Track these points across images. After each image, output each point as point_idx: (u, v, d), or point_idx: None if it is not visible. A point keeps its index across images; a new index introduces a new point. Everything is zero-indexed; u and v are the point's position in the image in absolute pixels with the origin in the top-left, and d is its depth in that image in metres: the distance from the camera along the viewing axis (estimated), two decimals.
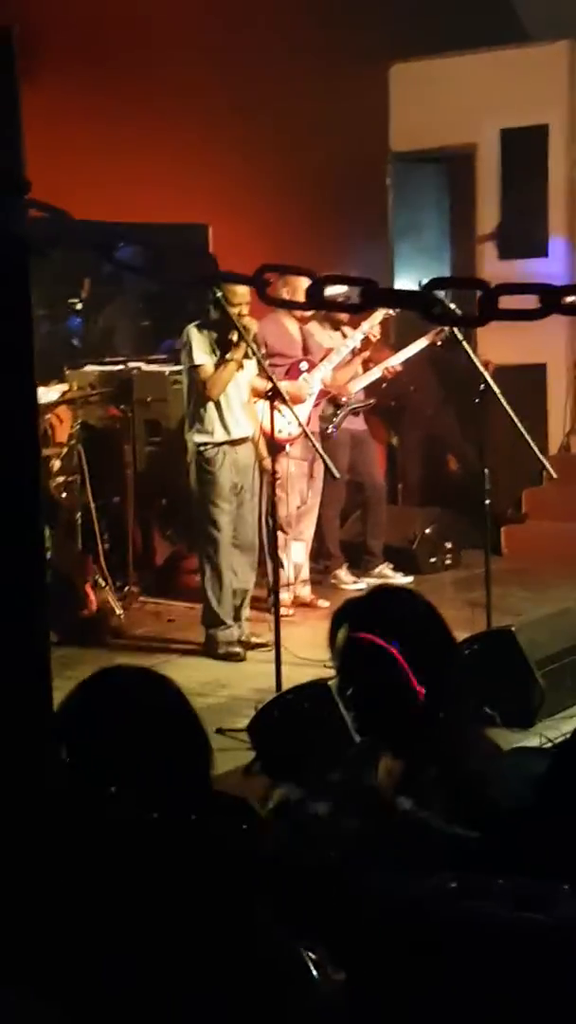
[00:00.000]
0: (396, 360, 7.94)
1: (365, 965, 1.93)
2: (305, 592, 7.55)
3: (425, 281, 1.86)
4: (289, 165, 9.19)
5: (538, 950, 1.91)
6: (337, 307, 1.72)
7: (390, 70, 10.25)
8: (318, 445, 6.70)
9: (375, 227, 10.20)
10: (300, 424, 6.55)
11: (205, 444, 6.62)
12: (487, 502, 6.65)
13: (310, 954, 1.86)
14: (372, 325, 7.63)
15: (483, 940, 1.96)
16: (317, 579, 7.90)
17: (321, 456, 6.46)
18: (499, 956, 2.00)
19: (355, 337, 7.64)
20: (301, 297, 1.68)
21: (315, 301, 1.56)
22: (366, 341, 7.70)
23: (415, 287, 6.95)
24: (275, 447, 6.77)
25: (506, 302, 1.58)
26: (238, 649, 6.64)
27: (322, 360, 7.49)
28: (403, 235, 10.61)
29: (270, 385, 6.04)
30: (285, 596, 6.93)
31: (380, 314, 7.53)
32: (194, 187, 8.59)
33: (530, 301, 1.68)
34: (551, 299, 1.54)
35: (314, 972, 1.86)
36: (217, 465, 6.62)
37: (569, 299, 1.60)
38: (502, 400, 6.35)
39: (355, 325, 7.75)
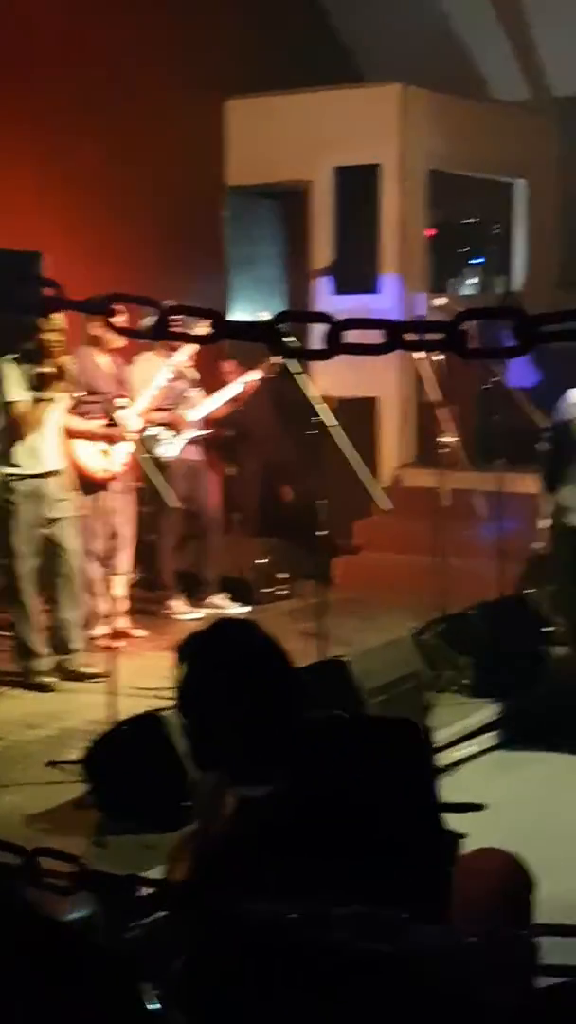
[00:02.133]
0: (232, 390, 8.00)
1: (208, 993, 1.92)
2: (124, 624, 7.45)
3: (266, 314, 1.88)
4: (126, 196, 9.20)
5: (381, 979, 1.93)
6: (184, 338, 1.72)
7: (226, 105, 10.34)
8: (156, 475, 6.68)
9: (211, 259, 10.27)
10: (122, 461, 6.53)
11: (11, 476, 6.55)
12: (321, 533, 6.73)
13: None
14: (184, 356, 7.64)
15: (326, 970, 1.98)
16: (151, 609, 7.86)
17: (157, 485, 6.45)
18: (342, 986, 2.01)
19: (169, 370, 7.60)
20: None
21: (161, 332, 1.57)
22: (178, 373, 7.70)
23: (251, 319, 7.01)
24: (92, 485, 6.76)
25: (350, 336, 1.61)
26: (48, 679, 6.57)
27: (141, 394, 7.41)
28: (239, 268, 10.71)
29: (86, 424, 6.01)
30: (105, 629, 6.88)
31: (189, 348, 7.57)
32: (28, 215, 8.52)
33: (373, 336, 1.72)
34: (394, 334, 1.58)
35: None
36: (22, 497, 6.54)
37: (409, 335, 1.64)
38: (334, 433, 6.44)
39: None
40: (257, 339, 1.60)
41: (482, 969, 1.63)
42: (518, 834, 4.48)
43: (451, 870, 2.57)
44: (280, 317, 1.61)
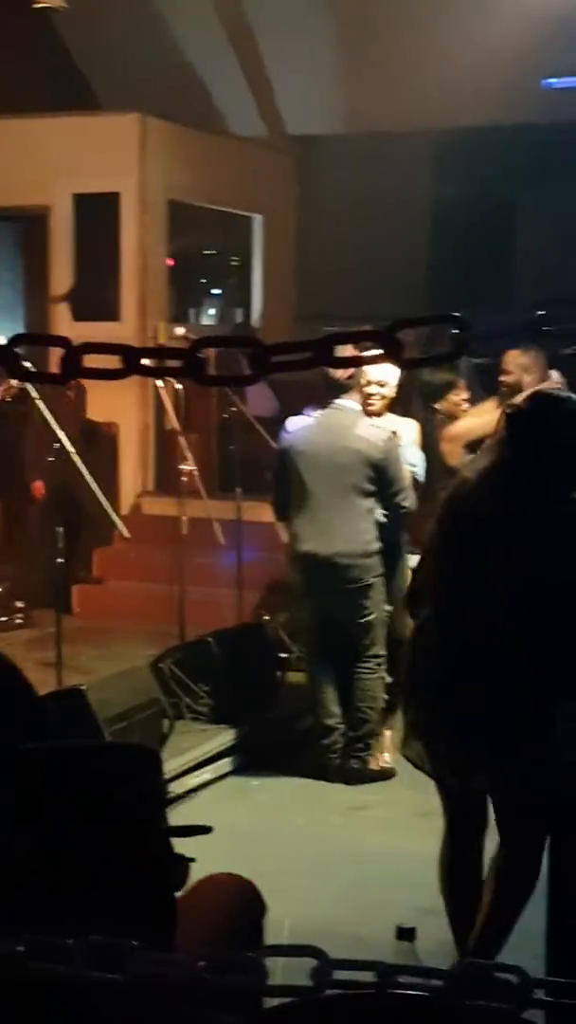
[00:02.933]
0: None
1: None
2: None
3: (1, 338, 1.86)
4: None
5: (111, 1009, 1.92)
6: None
7: None
8: None
9: None
10: None
11: None
12: (59, 560, 6.67)
13: None
14: None
15: (56, 1002, 1.95)
16: None
17: None
18: (71, 1016, 1.99)
19: None
20: None
21: None
22: None
23: None
24: None
25: (89, 361, 1.61)
26: None
27: None
28: None
29: None
30: None
31: None
32: None
33: (112, 362, 1.73)
34: (132, 360, 1.59)
35: None
36: None
37: (146, 361, 1.65)
38: (76, 460, 6.39)
39: None
40: None
41: (209, 994, 1.64)
42: (252, 859, 4.54)
43: (177, 896, 2.58)
44: (16, 339, 1.60)
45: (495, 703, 3.37)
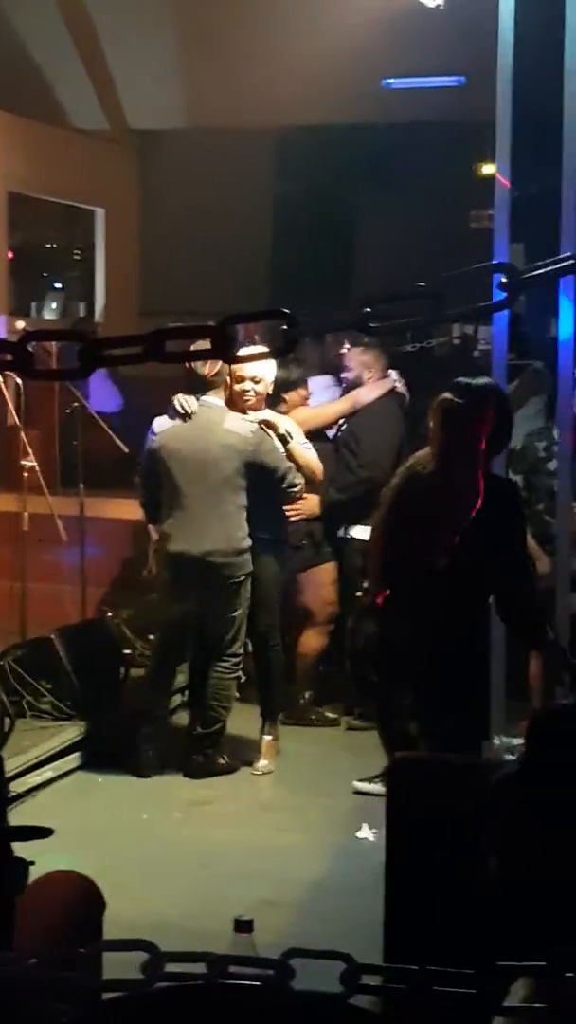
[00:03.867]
0: None
1: None
2: None
3: None
4: None
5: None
6: None
7: None
8: None
9: None
10: None
11: None
12: None
13: None
14: None
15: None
16: None
17: None
18: None
19: None
20: None
21: None
22: None
23: None
24: None
25: None
26: None
27: None
28: None
29: None
30: None
31: None
32: None
33: None
34: None
35: None
36: None
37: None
38: None
39: None
40: None
41: (43, 990, 1.63)
42: (95, 856, 4.52)
43: (15, 898, 2.55)
44: None
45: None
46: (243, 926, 2.47)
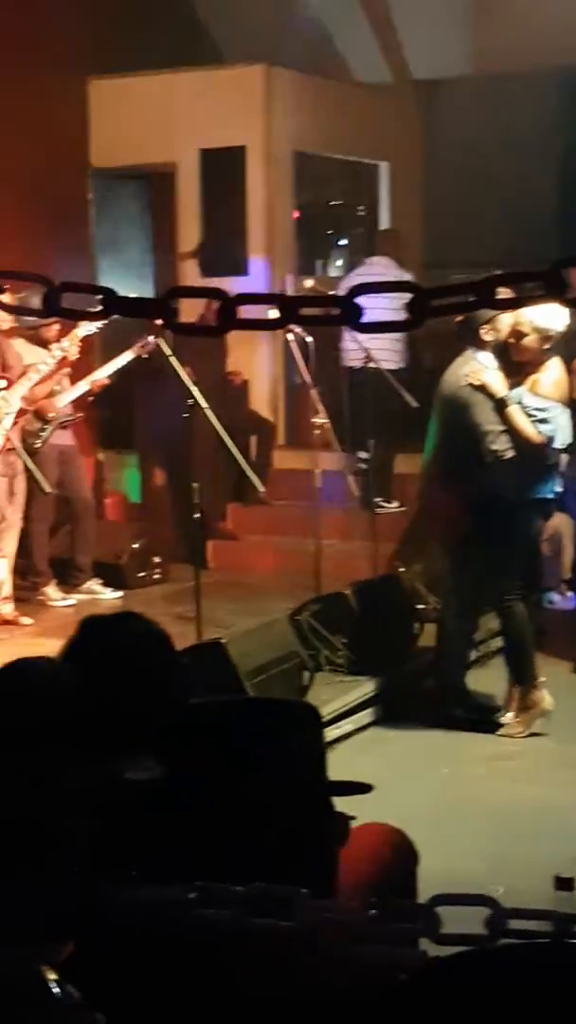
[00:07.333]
0: (102, 373, 7.87)
1: (106, 976, 1.91)
2: (8, 610, 7.32)
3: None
4: None
5: (277, 954, 1.94)
6: (76, 316, 1.68)
7: (89, 85, 10.21)
8: (28, 461, 6.58)
9: (76, 242, 10.12)
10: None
11: None
12: (196, 516, 6.72)
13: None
14: (72, 343, 7.44)
15: (222, 947, 1.98)
16: (25, 596, 7.73)
17: (31, 471, 6.35)
18: (239, 962, 2.02)
19: (53, 355, 7.41)
20: None
21: (55, 310, 1.54)
22: (63, 359, 7.49)
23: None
24: None
25: (244, 312, 1.61)
26: None
27: (21, 376, 7.22)
28: (105, 250, 10.59)
29: None
30: None
31: (80, 331, 7.40)
32: None
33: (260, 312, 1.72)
34: (289, 309, 1.58)
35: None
36: None
37: (305, 310, 1.64)
38: (210, 416, 6.42)
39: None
40: (147, 315, 1.59)
41: (382, 939, 1.64)
42: (397, 810, 4.54)
43: (338, 851, 2.59)
44: (171, 293, 1.60)
45: None
46: (564, 884, 2.43)
